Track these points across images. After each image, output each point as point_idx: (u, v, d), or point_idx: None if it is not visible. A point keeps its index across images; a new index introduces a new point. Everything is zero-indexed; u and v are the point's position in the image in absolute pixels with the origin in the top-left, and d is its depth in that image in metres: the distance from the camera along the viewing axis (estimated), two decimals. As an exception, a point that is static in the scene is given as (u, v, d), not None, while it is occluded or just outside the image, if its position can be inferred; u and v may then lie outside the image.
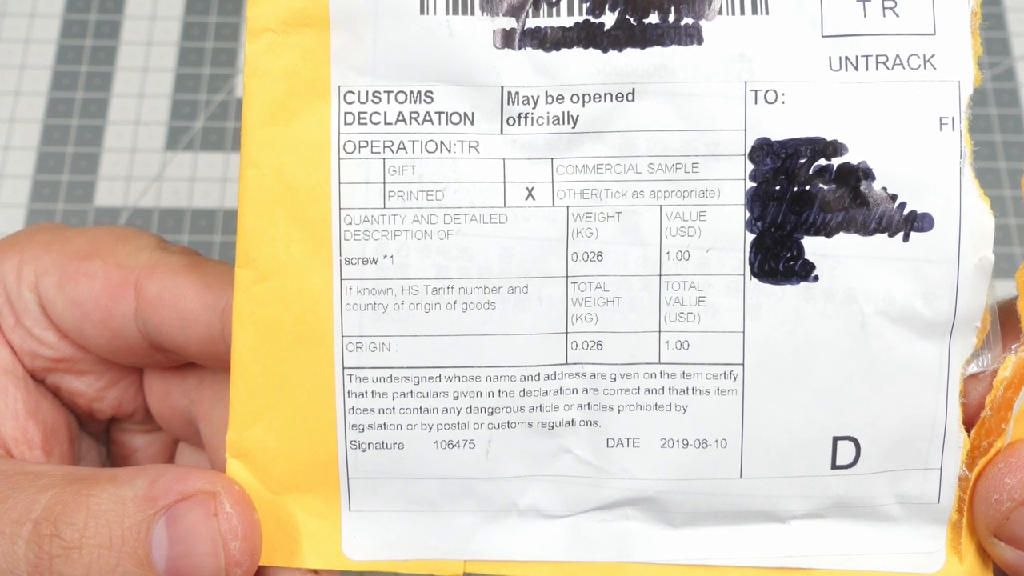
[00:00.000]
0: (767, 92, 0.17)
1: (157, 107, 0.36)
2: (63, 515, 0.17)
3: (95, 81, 0.37)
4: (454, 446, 0.18)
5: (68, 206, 0.35)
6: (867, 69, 0.17)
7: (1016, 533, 0.17)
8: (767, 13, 0.17)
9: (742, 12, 0.17)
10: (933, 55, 0.17)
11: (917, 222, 0.17)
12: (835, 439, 0.18)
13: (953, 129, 0.17)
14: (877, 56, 0.17)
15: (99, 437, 0.23)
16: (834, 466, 0.18)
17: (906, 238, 0.17)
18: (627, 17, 0.17)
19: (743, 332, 0.17)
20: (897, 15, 0.17)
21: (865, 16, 0.17)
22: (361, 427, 0.18)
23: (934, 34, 0.17)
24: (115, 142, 0.36)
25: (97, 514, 0.17)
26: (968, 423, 0.18)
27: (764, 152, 0.17)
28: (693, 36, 0.17)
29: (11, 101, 0.37)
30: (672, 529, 0.18)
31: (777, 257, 0.17)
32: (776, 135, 0.17)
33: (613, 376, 0.18)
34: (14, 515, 0.17)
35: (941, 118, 0.17)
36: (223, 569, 0.17)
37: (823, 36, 0.17)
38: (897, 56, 0.17)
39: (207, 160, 0.36)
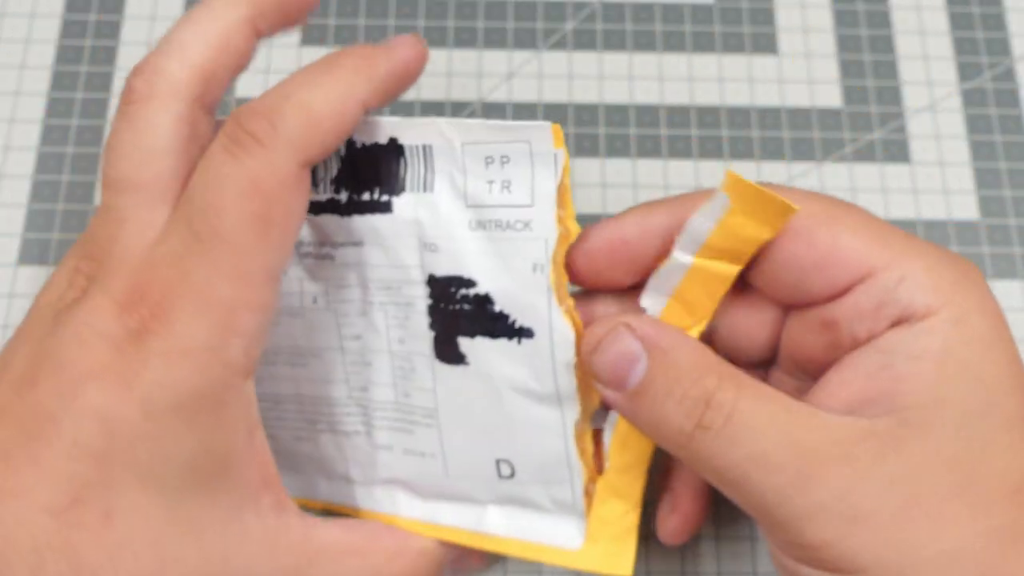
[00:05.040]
0: (431, 244, 0.24)
1: (157, 107, 0.36)
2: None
3: (95, 81, 0.37)
4: (300, 440, 0.28)
5: (68, 206, 0.35)
6: (490, 229, 0.24)
7: (597, 375, 0.24)
8: (433, 191, 0.24)
9: (416, 190, 0.24)
10: (530, 220, 0.23)
11: (525, 333, 0.24)
12: (497, 460, 0.25)
13: (543, 272, 0.23)
14: (496, 221, 0.23)
15: None
16: (500, 476, 0.26)
17: (519, 342, 0.24)
18: (352, 196, 0.25)
19: (434, 391, 0.25)
20: (510, 192, 0.23)
21: (491, 192, 0.23)
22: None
23: (532, 205, 0.23)
24: (115, 142, 0.36)
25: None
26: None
27: (433, 283, 0.24)
28: (387, 207, 0.24)
29: (11, 101, 0.37)
30: (422, 500, 0.27)
31: (446, 349, 0.25)
32: (438, 273, 0.24)
33: (375, 408, 0.26)
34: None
35: (534, 264, 0.23)
36: None
37: (467, 206, 0.24)
38: (508, 222, 0.23)
39: (207, 160, 0.36)
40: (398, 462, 0.27)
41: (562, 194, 0.23)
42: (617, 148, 0.36)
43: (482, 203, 0.24)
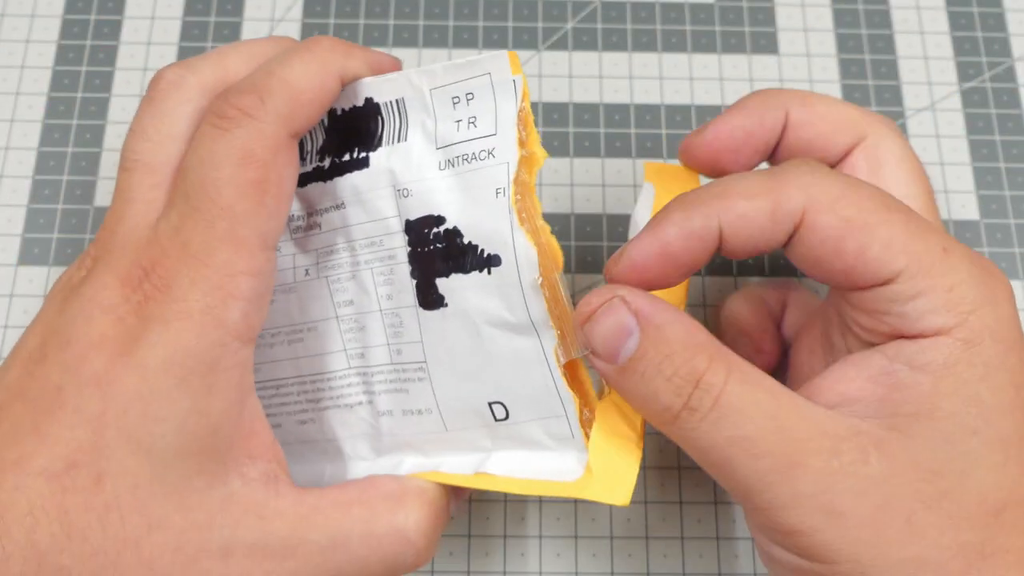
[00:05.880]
0: (403, 190, 0.25)
1: (157, 107, 0.36)
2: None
3: (95, 81, 0.37)
4: (304, 423, 0.28)
5: (68, 206, 0.35)
6: (458, 165, 0.24)
7: (590, 346, 0.24)
8: (407, 140, 0.25)
9: (391, 142, 0.25)
10: (494, 148, 0.24)
11: (493, 261, 0.24)
12: (489, 403, 0.25)
13: (505, 195, 0.24)
14: (463, 156, 0.24)
15: None
16: (495, 420, 0.26)
17: (489, 272, 0.24)
18: (334, 159, 0.26)
19: (422, 342, 0.26)
20: (476, 126, 0.24)
21: (458, 131, 0.24)
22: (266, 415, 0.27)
23: (495, 134, 0.24)
24: (115, 142, 0.36)
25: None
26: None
27: (409, 228, 0.25)
28: (363, 163, 0.26)
29: (11, 101, 0.37)
30: (425, 457, 0.27)
31: (426, 294, 0.25)
32: (412, 216, 0.25)
33: (372, 373, 0.27)
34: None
35: (497, 189, 0.24)
36: None
37: (437, 148, 0.25)
38: (474, 153, 0.24)
39: (207, 160, 0.36)
40: (399, 425, 0.27)
41: (524, 118, 0.24)
42: (617, 148, 0.36)
43: (451, 142, 0.24)
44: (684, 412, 0.23)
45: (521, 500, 0.32)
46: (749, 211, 0.23)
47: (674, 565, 0.31)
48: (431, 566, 0.31)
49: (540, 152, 0.24)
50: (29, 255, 0.34)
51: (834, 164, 0.26)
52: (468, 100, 0.24)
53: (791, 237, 0.23)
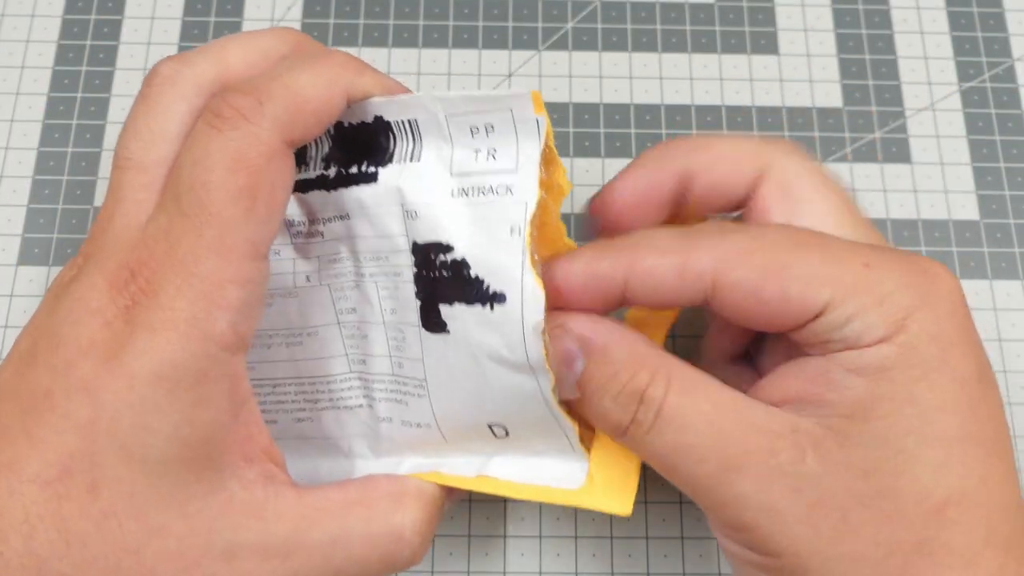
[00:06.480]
0: (411, 211, 0.25)
1: (157, 107, 0.36)
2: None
3: (95, 81, 0.37)
4: (301, 421, 0.28)
5: (68, 206, 0.35)
6: (472, 195, 0.24)
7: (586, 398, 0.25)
8: (419, 160, 0.25)
9: (403, 161, 0.25)
10: (513, 184, 0.24)
11: (497, 297, 0.24)
12: (489, 425, 0.26)
13: (520, 234, 0.23)
14: (479, 187, 0.24)
15: None
16: (496, 437, 0.26)
17: (492, 308, 0.24)
18: (341, 170, 0.25)
19: (423, 360, 0.25)
20: (495, 159, 0.24)
21: (476, 161, 0.24)
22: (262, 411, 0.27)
23: (515, 171, 0.24)
24: (115, 142, 0.36)
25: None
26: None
27: (416, 249, 0.25)
28: (372, 178, 0.25)
29: (11, 101, 0.37)
30: (425, 458, 0.27)
31: (429, 317, 0.25)
32: (420, 239, 0.25)
33: (373, 380, 0.27)
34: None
35: (511, 227, 0.23)
36: None
37: (451, 175, 0.24)
38: (491, 187, 0.24)
39: (207, 160, 0.36)
40: (398, 433, 0.27)
41: (547, 156, 0.24)
42: (617, 148, 0.36)
43: (468, 171, 0.24)
44: (632, 426, 0.23)
45: (521, 500, 0.32)
46: (657, 267, 0.24)
47: (674, 565, 0.31)
48: (431, 566, 0.31)
49: (566, 184, 0.25)
50: (29, 255, 0.35)
51: (745, 202, 0.26)
52: (488, 131, 0.24)
53: (709, 297, 0.23)
